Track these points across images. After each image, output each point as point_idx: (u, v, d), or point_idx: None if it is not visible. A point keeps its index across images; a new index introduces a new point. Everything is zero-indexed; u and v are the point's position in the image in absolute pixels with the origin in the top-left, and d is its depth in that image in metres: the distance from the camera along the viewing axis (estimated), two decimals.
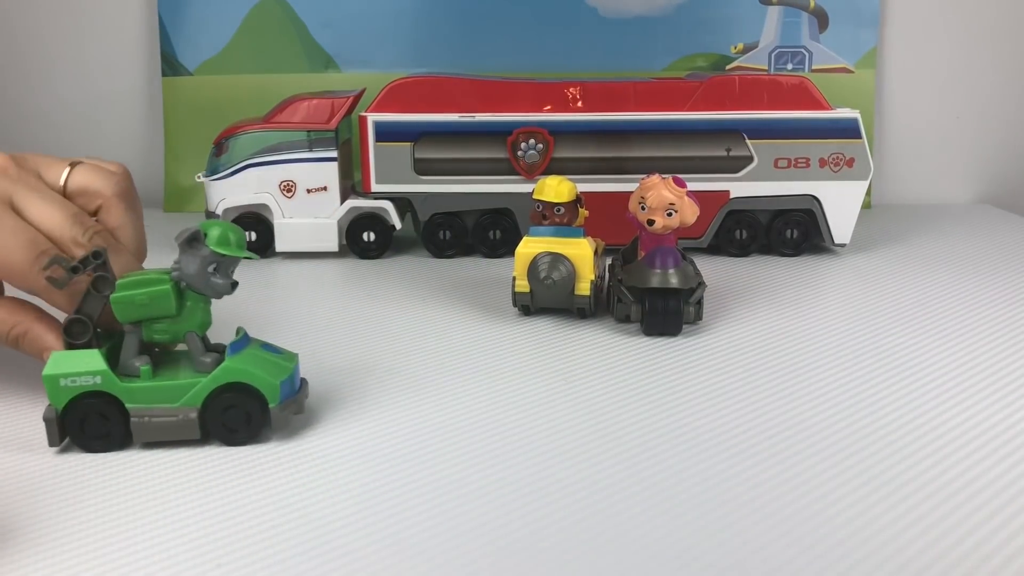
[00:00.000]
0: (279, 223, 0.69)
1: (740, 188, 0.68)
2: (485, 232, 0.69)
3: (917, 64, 0.87)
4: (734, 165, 0.67)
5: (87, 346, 0.38)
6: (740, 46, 0.85)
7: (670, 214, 0.50)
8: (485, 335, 0.52)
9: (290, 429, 0.40)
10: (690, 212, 0.51)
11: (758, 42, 0.85)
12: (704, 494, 0.35)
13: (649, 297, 0.52)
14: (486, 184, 0.68)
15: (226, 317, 0.56)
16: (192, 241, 0.38)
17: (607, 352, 0.50)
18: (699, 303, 0.53)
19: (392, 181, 0.68)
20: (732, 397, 0.44)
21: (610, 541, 0.32)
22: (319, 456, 0.38)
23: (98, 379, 0.37)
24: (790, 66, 0.85)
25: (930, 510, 0.34)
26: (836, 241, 0.69)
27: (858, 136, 0.67)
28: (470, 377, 0.46)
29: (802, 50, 0.85)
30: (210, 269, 0.38)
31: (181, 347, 0.40)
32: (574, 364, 0.48)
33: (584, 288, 0.53)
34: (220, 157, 0.69)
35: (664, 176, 0.51)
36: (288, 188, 0.68)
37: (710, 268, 0.63)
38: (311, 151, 0.68)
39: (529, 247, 0.54)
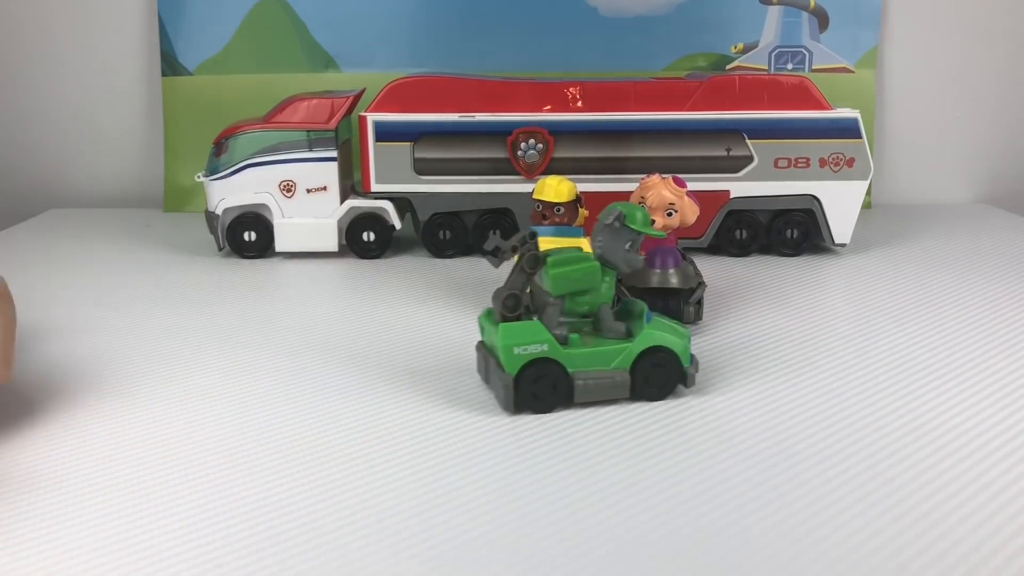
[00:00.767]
0: (279, 223, 0.69)
1: (740, 188, 0.68)
2: (485, 232, 0.69)
3: (917, 64, 0.87)
4: (734, 165, 0.67)
5: (518, 318, 0.43)
6: (740, 46, 0.85)
7: (670, 214, 0.50)
8: None
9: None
10: (690, 212, 0.51)
11: (758, 42, 0.85)
12: (704, 494, 0.35)
13: (649, 297, 0.52)
14: (486, 184, 0.68)
15: (226, 317, 0.56)
16: (616, 223, 0.43)
17: None
18: (699, 303, 0.53)
19: (392, 181, 0.68)
20: (732, 397, 0.44)
21: (610, 541, 0.32)
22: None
23: (545, 347, 0.42)
24: (790, 66, 0.85)
25: (930, 510, 0.34)
26: (836, 241, 0.69)
27: (858, 136, 0.67)
28: (470, 377, 0.46)
29: (802, 50, 0.85)
30: (627, 247, 0.43)
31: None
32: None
33: None
34: (220, 157, 0.69)
35: (664, 176, 0.51)
36: (288, 188, 0.68)
37: (710, 268, 0.63)
38: (311, 151, 0.68)
39: None
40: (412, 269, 0.67)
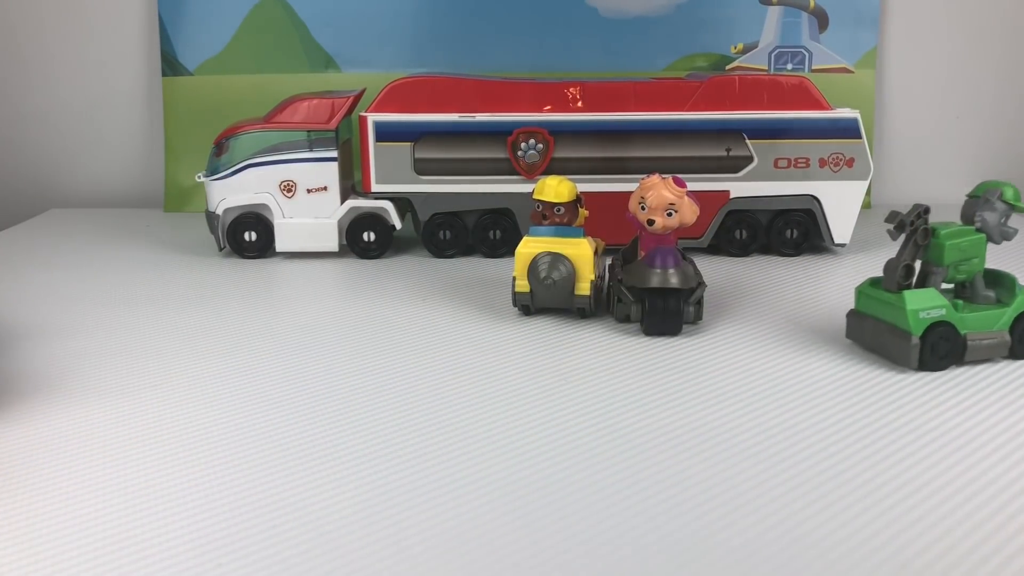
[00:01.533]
0: (279, 223, 0.69)
1: (740, 188, 0.68)
2: (485, 232, 0.69)
3: (917, 64, 0.87)
4: (734, 165, 0.67)
5: (908, 287, 0.47)
6: (740, 46, 0.85)
7: (670, 214, 0.50)
8: (485, 335, 0.52)
9: None
10: (690, 212, 0.51)
11: (758, 42, 0.85)
12: (704, 494, 0.35)
13: (649, 297, 0.52)
14: (486, 184, 0.68)
15: (226, 317, 0.56)
16: (996, 199, 0.48)
17: (607, 352, 0.50)
18: (699, 303, 0.53)
19: (392, 181, 0.68)
20: (732, 397, 0.44)
21: (609, 541, 0.32)
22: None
23: (943, 311, 0.46)
24: (790, 66, 0.85)
25: (930, 510, 0.34)
26: (836, 241, 0.69)
27: (858, 136, 0.67)
28: (470, 377, 0.46)
29: (802, 50, 0.85)
30: (1003, 220, 0.48)
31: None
32: (574, 364, 0.48)
33: (584, 288, 0.53)
34: (220, 157, 0.69)
35: (664, 176, 0.51)
36: (288, 188, 0.68)
37: (710, 268, 0.63)
38: (311, 151, 0.68)
39: (529, 247, 0.54)
40: (412, 269, 0.67)
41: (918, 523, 0.33)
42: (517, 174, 0.68)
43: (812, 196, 0.68)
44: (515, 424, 0.41)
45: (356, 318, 0.56)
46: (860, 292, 0.50)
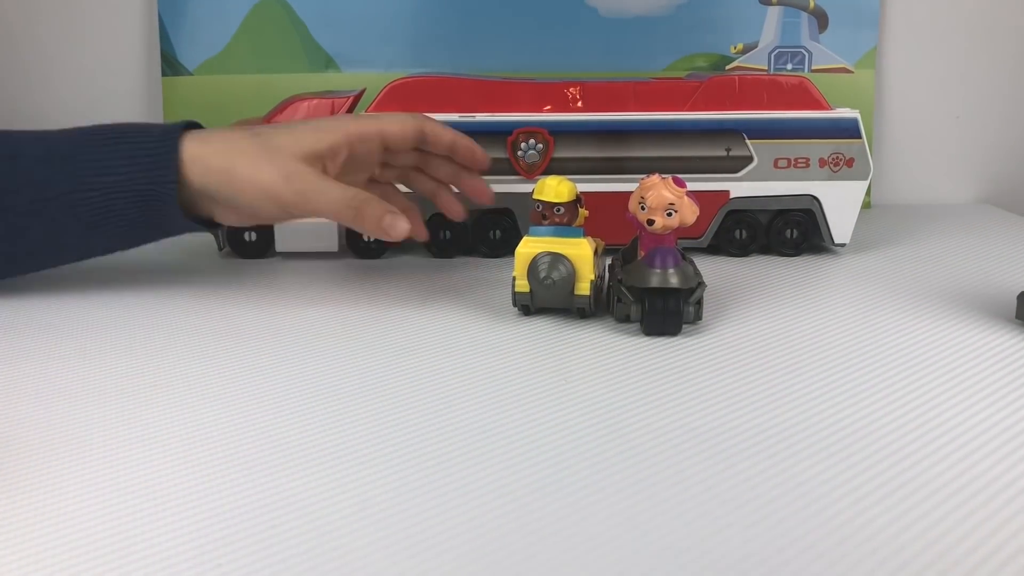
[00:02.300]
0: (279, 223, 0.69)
1: (740, 188, 0.68)
2: (485, 232, 0.69)
3: (917, 64, 0.87)
4: (734, 165, 0.67)
5: None
6: (740, 46, 0.85)
7: (670, 214, 0.50)
8: (485, 335, 0.52)
9: None
10: (690, 212, 0.51)
11: (758, 42, 0.85)
12: (704, 494, 0.35)
13: (649, 297, 0.52)
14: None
15: (226, 317, 0.56)
16: None
17: (607, 352, 0.50)
18: (699, 303, 0.53)
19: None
20: (732, 397, 0.44)
21: (609, 541, 0.32)
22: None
23: None
24: (790, 66, 0.85)
25: (930, 510, 0.34)
26: (836, 241, 0.69)
27: (858, 136, 0.67)
28: (470, 377, 0.46)
29: (802, 50, 0.85)
30: None
31: None
32: (574, 364, 0.48)
33: (584, 288, 0.53)
34: None
35: (664, 176, 0.51)
36: None
37: (710, 268, 0.63)
38: None
39: (529, 247, 0.54)
40: (412, 269, 0.67)
41: (917, 523, 0.33)
42: (517, 174, 0.68)
43: (812, 196, 0.68)
44: (515, 424, 0.41)
45: (356, 318, 0.56)
46: None
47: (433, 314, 0.56)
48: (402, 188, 0.65)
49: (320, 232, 0.69)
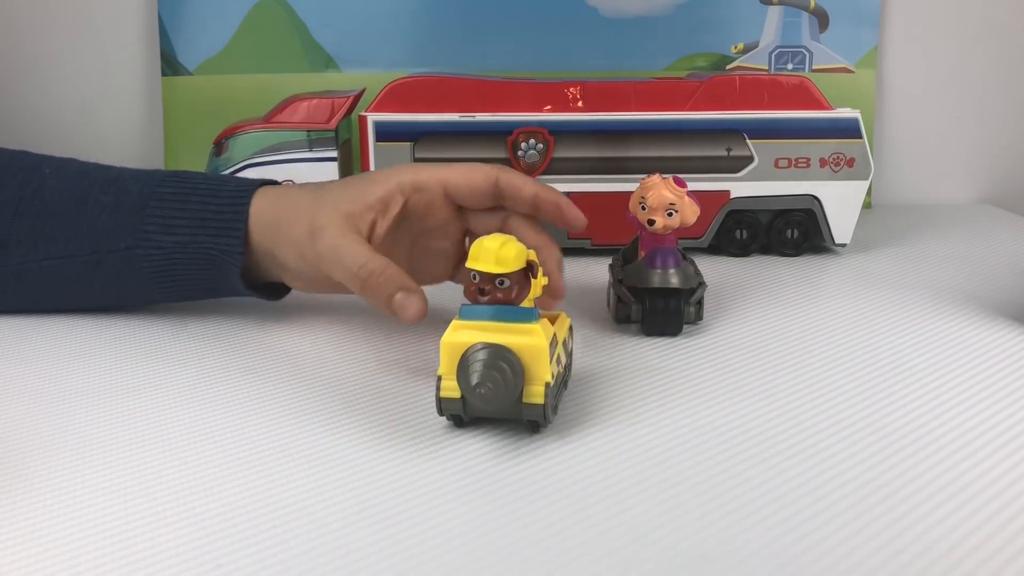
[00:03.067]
0: None
1: (740, 188, 0.68)
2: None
3: (917, 64, 0.87)
4: (734, 165, 0.67)
5: None
6: (740, 46, 0.85)
7: (670, 214, 0.50)
8: None
9: None
10: (690, 212, 0.51)
11: (758, 42, 0.84)
12: (705, 494, 0.35)
13: (649, 297, 0.52)
14: None
15: (226, 317, 0.56)
16: None
17: (607, 352, 0.50)
18: (699, 303, 0.53)
19: None
20: (733, 397, 0.44)
21: (609, 541, 0.32)
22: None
23: None
24: (790, 66, 0.85)
25: (930, 511, 0.34)
26: (837, 241, 0.69)
27: (858, 136, 0.67)
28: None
29: (802, 50, 0.85)
30: None
31: None
32: (573, 364, 0.48)
33: (536, 394, 0.39)
34: (220, 157, 0.69)
35: (664, 176, 0.51)
36: None
37: (710, 268, 0.63)
38: (311, 151, 0.68)
39: (459, 335, 0.39)
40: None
41: (918, 524, 0.33)
42: None
43: (812, 196, 0.68)
44: (514, 424, 0.41)
45: (355, 318, 0.55)
46: None
47: (433, 314, 0.56)
48: None
49: None
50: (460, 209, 0.52)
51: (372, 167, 0.68)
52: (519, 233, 0.50)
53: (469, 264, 0.39)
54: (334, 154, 0.68)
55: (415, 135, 0.67)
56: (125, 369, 0.48)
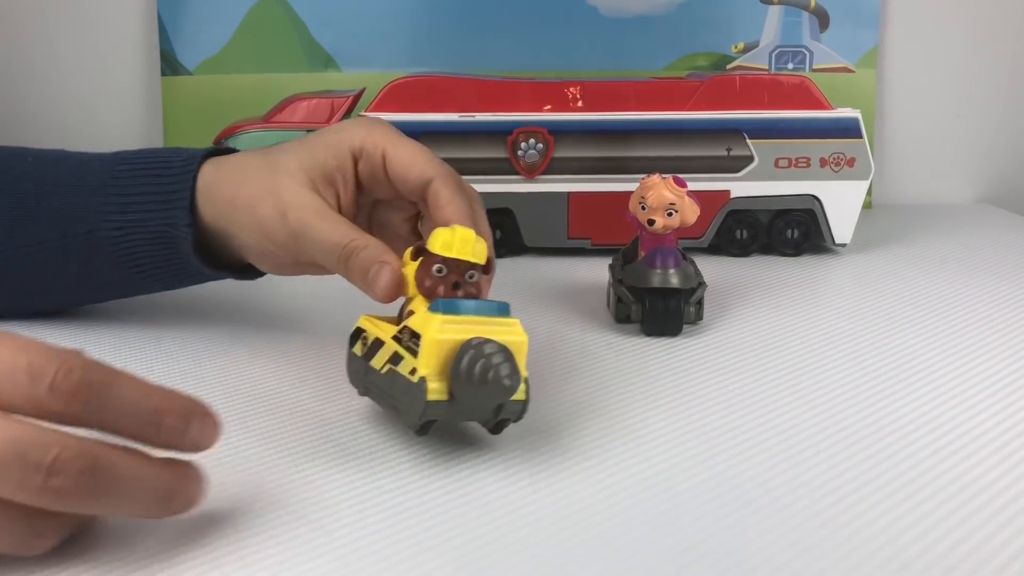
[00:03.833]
0: None
1: (740, 188, 0.68)
2: None
3: (918, 64, 0.87)
4: (734, 165, 0.67)
5: None
6: (741, 45, 0.84)
7: (670, 214, 0.50)
8: None
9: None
10: (691, 212, 0.51)
11: (759, 41, 0.84)
12: (704, 494, 0.35)
13: (649, 297, 0.51)
14: (486, 184, 0.68)
15: (226, 317, 0.55)
16: None
17: (606, 352, 0.50)
18: (699, 303, 0.53)
19: None
20: (733, 397, 0.44)
21: (609, 542, 0.32)
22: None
23: None
24: (791, 66, 0.85)
25: (931, 511, 0.34)
26: (837, 241, 0.69)
27: (859, 136, 0.67)
28: None
29: (803, 50, 0.85)
30: None
31: None
32: (573, 364, 0.48)
33: (521, 390, 0.37)
34: None
35: (664, 176, 0.51)
36: None
37: (710, 268, 0.62)
38: None
39: (452, 331, 0.36)
40: None
41: (918, 524, 0.33)
42: (517, 174, 0.68)
43: (813, 196, 0.68)
44: (513, 425, 0.41)
45: (354, 318, 0.55)
46: None
47: None
48: None
49: None
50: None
51: None
52: (448, 202, 0.44)
53: (441, 252, 0.37)
54: None
55: (415, 135, 0.67)
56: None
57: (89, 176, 0.50)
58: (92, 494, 0.28)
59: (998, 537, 0.32)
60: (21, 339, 0.29)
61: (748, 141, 0.67)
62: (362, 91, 0.72)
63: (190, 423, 0.31)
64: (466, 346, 0.35)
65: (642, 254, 0.52)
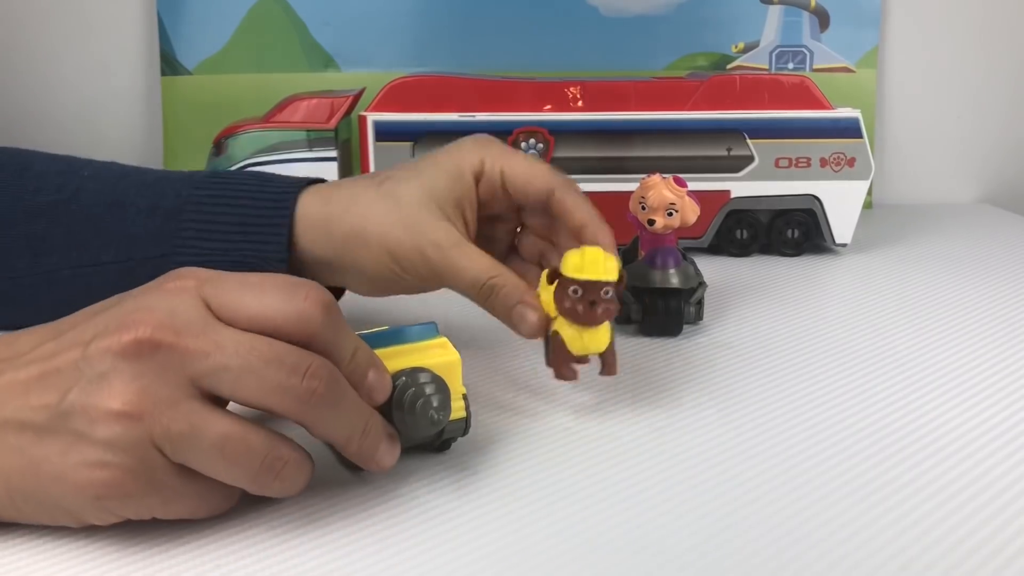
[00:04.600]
0: None
1: (741, 188, 0.67)
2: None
3: (918, 64, 0.87)
4: (735, 165, 0.67)
5: None
6: (741, 45, 0.84)
7: (671, 214, 0.50)
8: (480, 336, 0.52)
9: None
10: (691, 212, 0.51)
11: (759, 41, 0.84)
12: (704, 494, 0.35)
13: (649, 297, 0.51)
14: None
15: None
16: None
17: None
18: (699, 303, 0.53)
19: None
20: (733, 397, 0.44)
21: (610, 542, 0.32)
22: None
23: None
24: (791, 65, 0.85)
25: (931, 510, 0.34)
26: (837, 241, 0.69)
27: (859, 136, 0.67)
28: (468, 380, 0.46)
29: (803, 49, 0.85)
30: None
31: None
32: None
33: (459, 408, 0.37)
34: (219, 157, 0.69)
35: (665, 176, 0.51)
36: None
37: (710, 268, 0.62)
38: (311, 151, 0.68)
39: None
40: None
41: (919, 524, 0.33)
42: None
43: (813, 196, 0.68)
44: (513, 425, 0.41)
45: (355, 318, 0.55)
46: None
47: (433, 315, 0.56)
48: None
49: None
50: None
51: (372, 167, 0.68)
52: (575, 208, 0.46)
53: (573, 275, 0.39)
54: (334, 154, 0.68)
55: (415, 135, 0.67)
56: None
57: (162, 199, 0.49)
58: (331, 403, 0.32)
59: (999, 537, 0.32)
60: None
61: (748, 141, 0.67)
62: (362, 91, 0.72)
63: (381, 443, 0.34)
64: (396, 376, 0.35)
65: (642, 254, 0.52)
